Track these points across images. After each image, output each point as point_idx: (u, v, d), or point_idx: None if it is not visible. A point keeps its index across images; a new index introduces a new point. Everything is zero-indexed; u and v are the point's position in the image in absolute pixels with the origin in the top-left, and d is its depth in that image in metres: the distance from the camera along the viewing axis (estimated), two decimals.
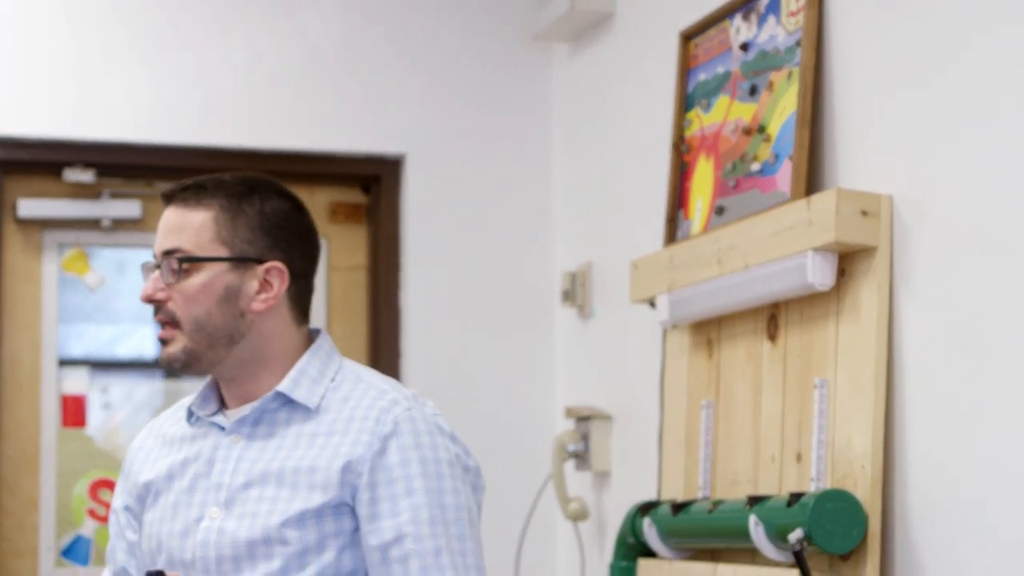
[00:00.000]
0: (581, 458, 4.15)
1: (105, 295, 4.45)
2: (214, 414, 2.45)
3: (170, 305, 2.37)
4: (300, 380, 2.40)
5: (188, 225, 2.38)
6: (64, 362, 4.35)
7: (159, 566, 2.43)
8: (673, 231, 3.70)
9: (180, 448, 2.46)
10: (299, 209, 2.47)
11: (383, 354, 4.45)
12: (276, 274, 2.40)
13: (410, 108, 4.49)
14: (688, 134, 3.70)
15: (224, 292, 2.37)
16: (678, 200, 3.71)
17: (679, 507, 3.34)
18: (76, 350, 4.43)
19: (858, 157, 3.13)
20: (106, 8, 4.28)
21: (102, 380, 4.42)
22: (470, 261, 4.50)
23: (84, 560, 4.30)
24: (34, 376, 4.28)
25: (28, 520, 4.23)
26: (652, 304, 3.69)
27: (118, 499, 2.53)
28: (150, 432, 2.54)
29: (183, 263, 2.36)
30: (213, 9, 4.35)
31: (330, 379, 2.43)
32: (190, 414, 2.46)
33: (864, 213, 2.98)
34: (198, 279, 2.36)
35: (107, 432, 4.40)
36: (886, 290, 2.97)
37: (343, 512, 2.34)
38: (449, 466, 2.37)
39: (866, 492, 2.92)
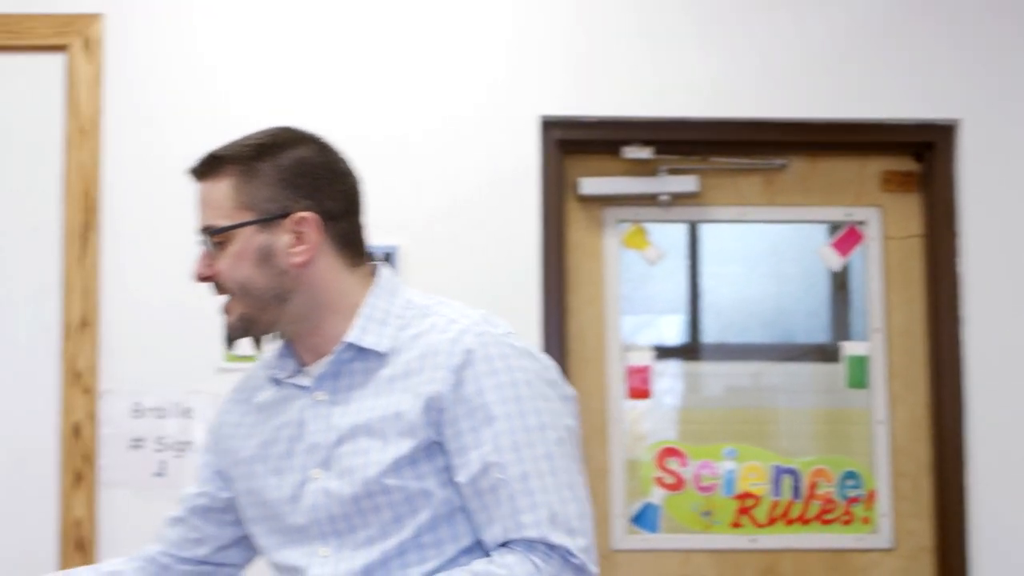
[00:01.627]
0: None
1: (660, 275, 4.55)
2: (294, 375, 2.43)
3: (218, 279, 2.37)
4: (367, 326, 2.36)
5: (212, 199, 2.38)
6: (628, 340, 4.48)
7: (271, 535, 2.43)
8: None
9: (271, 413, 2.45)
10: (323, 152, 2.41)
11: (943, 321, 4.38)
12: (306, 223, 2.35)
13: (962, 73, 4.40)
14: None
15: (258, 254, 2.34)
16: None
17: None
18: (638, 324, 4.53)
19: None
20: None
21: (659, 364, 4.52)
22: None
23: (653, 527, 4.41)
24: (599, 349, 4.42)
25: (599, 489, 4.36)
26: None
27: (207, 468, 2.55)
28: (236, 403, 2.54)
29: (215, 237, 2.36)
30: None
31: (397, 317, 2.37)
32: (274, 379, 2.45)
33: None
34: (232, 249, 2.35)
35: (633, 419, 4.48)
36: None
37: (435, 451, 2.29)
38: (528, 386, 2.28)
39: None
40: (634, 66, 4.36)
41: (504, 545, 2.25)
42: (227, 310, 2.39)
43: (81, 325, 4.21)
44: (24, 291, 4.26)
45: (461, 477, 2.28)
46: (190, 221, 4.20)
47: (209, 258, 2.38)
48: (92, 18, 4.28)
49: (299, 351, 2.43)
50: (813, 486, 4.43)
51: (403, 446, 2.29)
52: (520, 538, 2.23)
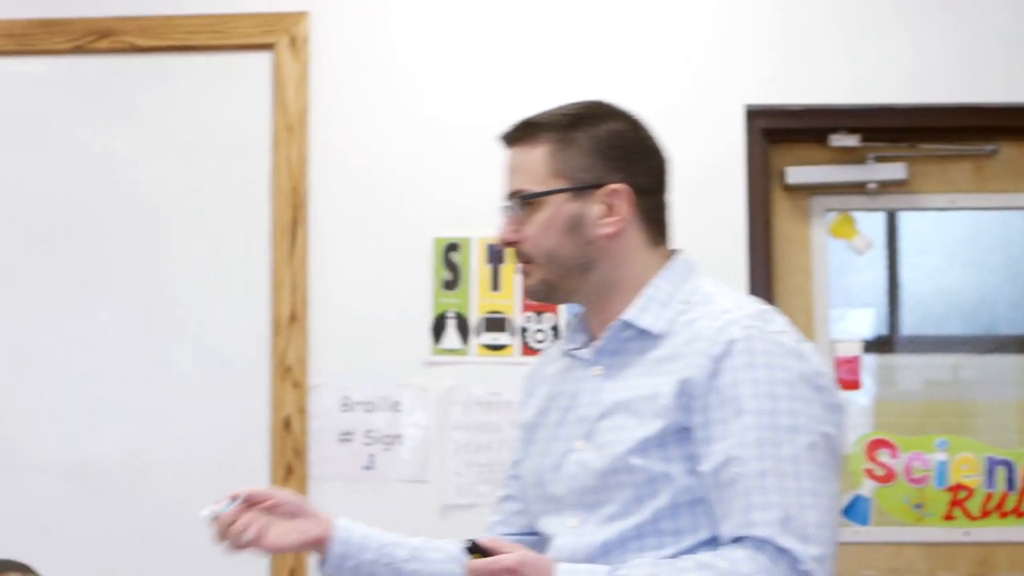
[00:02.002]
0: None
1: (859, 265, 4.49)
2: (582, 347, 2.45)
3: (523, 245, 2.40)
4: (647, 306, 2.37)
5: (524, 164, 2.40)
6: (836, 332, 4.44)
7: (536, 501, 2.46)
8: None
9: (555, 383, 2.48)
10: (636, 128, 2.43)
11: None
12: (618, 196, 2.37)
13: None
14: None
15: (568, 222, 2.37)
16: None
17: None
18: (838, 315, 4.48)
19: None
20: None
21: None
22: None
23: (863, 520, 4.35)
24: (807, 340, 4.37)
25: None
26: None
27: (519, 439, 2.58)
28: (536, 372, 2.58)
29: (525, 202, 2.38)
30: None
31: (681, 302, 2.37)
32: (564, 350, 2.49)
33: None
34: (542, 215, 2.38)
35: None
36: None
37: (685, 437, 2.27)
38: (788, 386, 2.24)
39: None
40: (839, 52, 4.31)
41: (736, 541, 2.23)
42: (527, 273, 2.43)
43: (290, 320, 4.26)
44: (234, 287, 4.32)
45: (704, 467, 2.26)
46: (396, 216, 4.27)
47: (515, 223, 2.42)
48: (298, 16, 4.33)
49: (591, 325, 2.47)
50: None
51: (653, 427, 2.29)
52: (750, 536, 2.21)
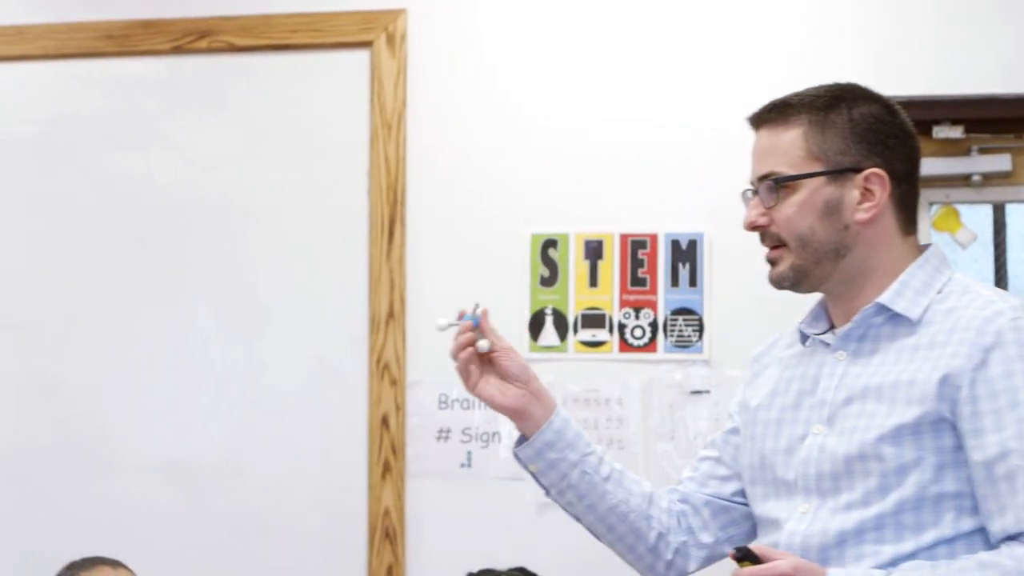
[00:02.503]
0: None
1: (963, 260, 4.42)
2: (823, 333, 2.40)
3: (773, 228, 2.35)
4: (903, 292, 2.32)
5: (778, 146, 2.35)
6: None
7: (758, 484, 2.41)
8: None
9: (787, 366, 2.43)
10: (891, 111, 2.38)
11: None
12: (876, 180, 2.33)
13: None
14: None
15: (824, 206, 2.32)
16: None
17: None
18: None
19: None
20: None
21: None
22: None
23: None
24: None
25: None
26: None
27: (736, 413, 2.54)
28: (765, 354, 2.54)
29: (778, 184, 2.33)
30: None
31: (936, 291, 2.32)
32: (803, 335, 2.43)
33: None
34: (796, 198, 2.33)
35: None
36: None
37: (942, 428, 2.21)
38: None
39: None
40: (940, 42, 4.24)
41: (1013, 538, 2.18)
42: (775, 260, 2.40)
43: (388, 318, 4.26)
44: (332, 284, 4.33)
45: (976, 457, 2.21)
46: (493, 213, 4.25)
47: (765, 207, 2.39)
48: (395, 13, 4.33)
49: (832, 313, 2.43)
50: None
51: (908, 414, 2.25)
52: None
